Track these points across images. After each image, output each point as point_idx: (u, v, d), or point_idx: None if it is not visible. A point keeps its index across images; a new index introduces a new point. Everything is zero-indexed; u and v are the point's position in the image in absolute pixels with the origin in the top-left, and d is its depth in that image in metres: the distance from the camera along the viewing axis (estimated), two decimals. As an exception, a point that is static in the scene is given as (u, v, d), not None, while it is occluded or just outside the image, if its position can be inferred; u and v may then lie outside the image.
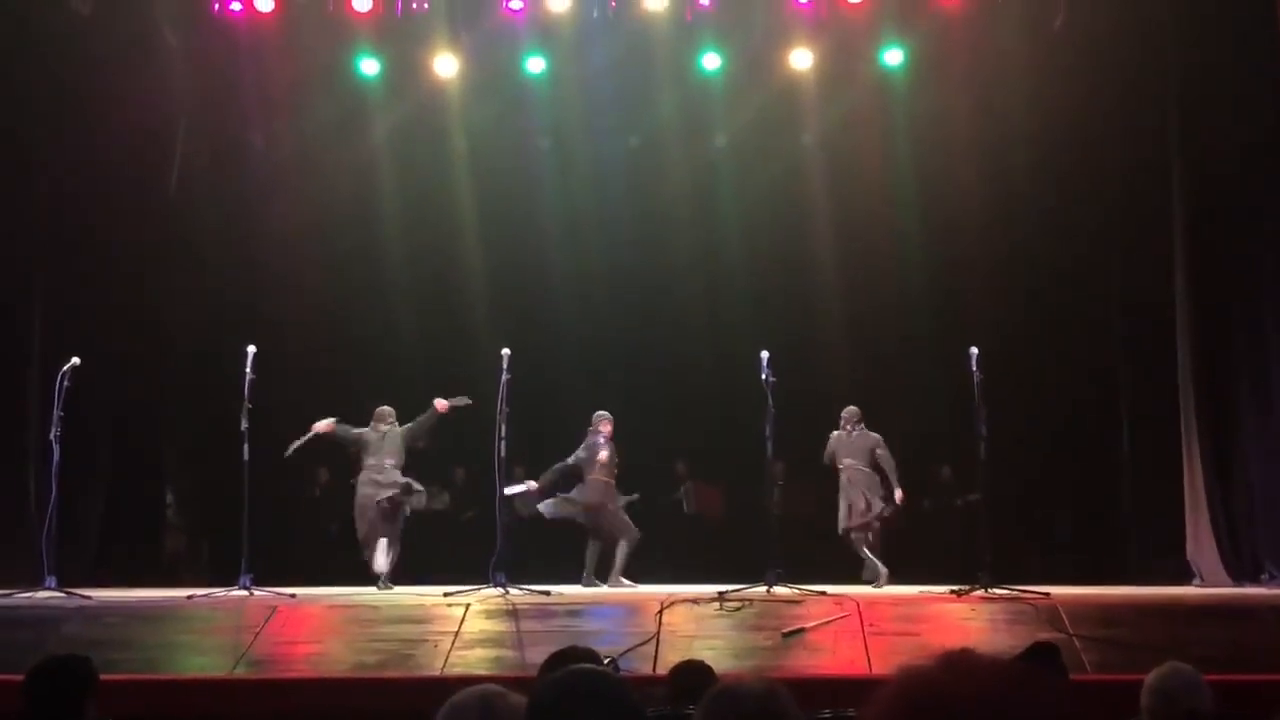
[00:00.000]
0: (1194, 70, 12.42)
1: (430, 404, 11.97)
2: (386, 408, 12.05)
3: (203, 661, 8.31)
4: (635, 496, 12.66)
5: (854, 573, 11.47)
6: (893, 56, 13.70)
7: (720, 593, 8.98)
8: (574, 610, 9.03)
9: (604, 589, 11.55)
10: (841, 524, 11.87)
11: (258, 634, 8.45)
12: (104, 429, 12.86)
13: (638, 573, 12.10)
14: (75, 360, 10.64)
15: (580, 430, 12.32)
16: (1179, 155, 12.59)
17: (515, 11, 13.29)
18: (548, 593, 9.64)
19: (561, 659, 4.72)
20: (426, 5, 13.36)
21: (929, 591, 9.66)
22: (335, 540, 13.74)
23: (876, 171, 14.19)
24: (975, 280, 14.17)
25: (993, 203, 13.97)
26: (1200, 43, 12.31)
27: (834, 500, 12.06)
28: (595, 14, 13.45)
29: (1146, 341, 13.01)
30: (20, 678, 5.12)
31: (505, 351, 10.61)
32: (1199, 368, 12.33)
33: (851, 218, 14.33)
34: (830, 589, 9.66)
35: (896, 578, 11.28)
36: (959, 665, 1.63)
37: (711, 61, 13.83)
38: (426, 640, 8.29)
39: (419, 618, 8.71)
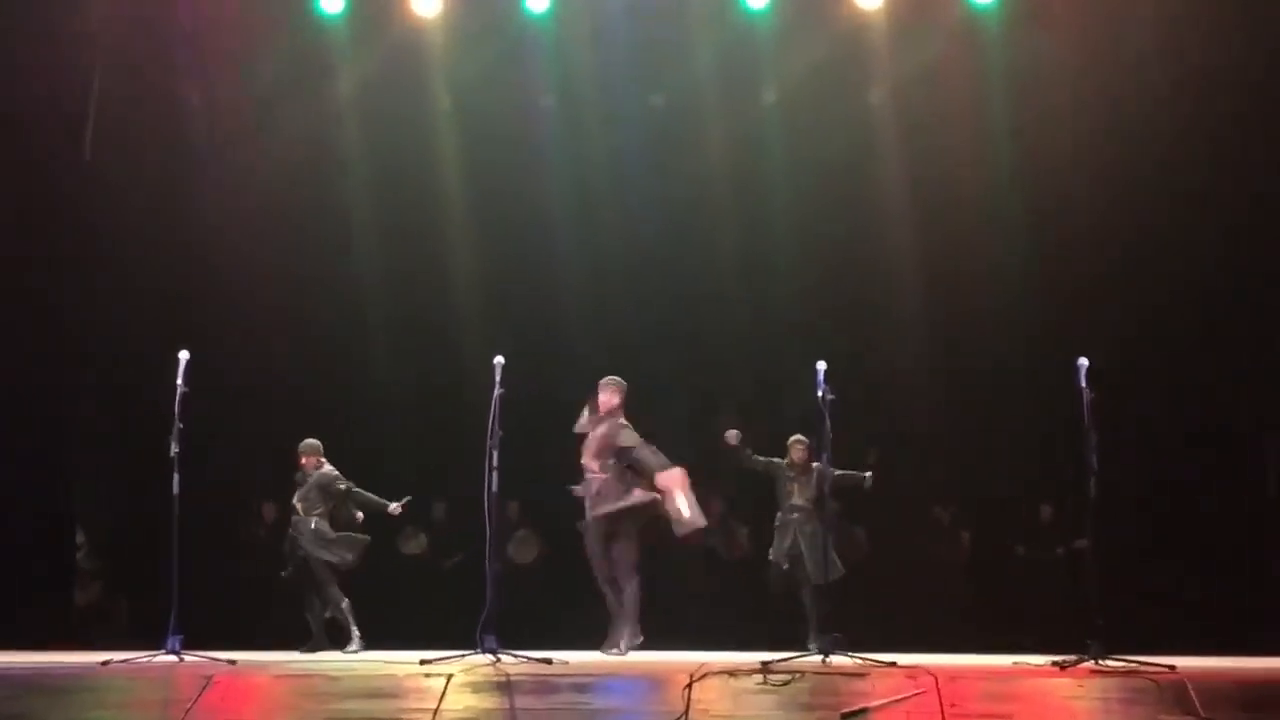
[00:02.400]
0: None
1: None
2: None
3: (121, 744, 8.34)
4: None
5: (932, 639, 11.44)
6: (983, -9, 13.76)
7: (764, 662, 8.97)
8: (582, 684, 9.02)
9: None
10: None
11: (189, 709, 8.45)
12: (-2, 456, 12.96)
13: (661, 635, 12.11)
14: (-36, 368, 10.72)
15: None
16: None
17: (513, -64, 13.40)
18: (549, 661, 9.65)
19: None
20: (403, -73, 13.48)
21: (1024, 662, 9.63)
22: (285, 592, 13.77)
23: (963, 138, 14.20)
24: (1088, 276, 14.15)
25: (1112, 177, 13.94)
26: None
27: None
28: (614, -61, 13.58)
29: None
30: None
31: (498, 360, 10.60)
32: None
33: (931, 196, 14.35)
34: (902, 659, 9.66)
35: (983, 645, 11.24)
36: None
37: (757, 0, 13.87)
38: (399, 719, 8.31)
39: (389, 691, 8.71)
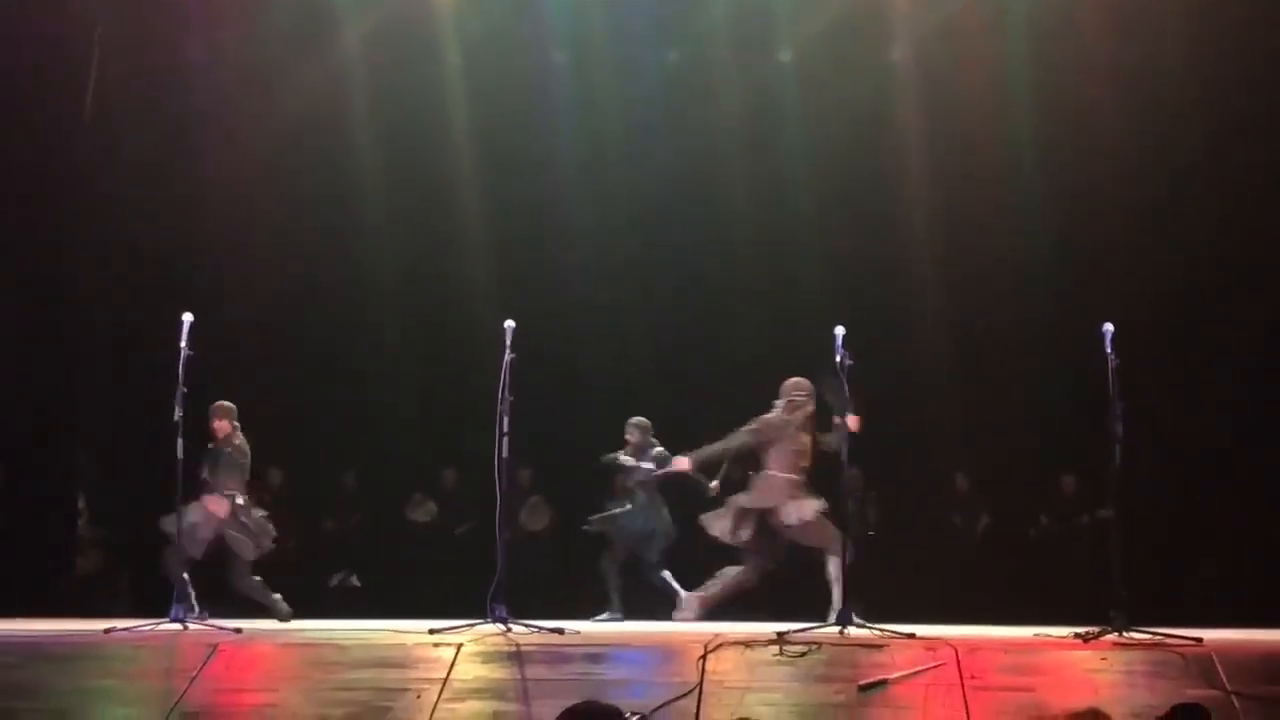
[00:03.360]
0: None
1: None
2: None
3: (125, 713, 8.38)
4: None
5: (952, 610, 11.48)
6: (1008, -54, 13.74)
7: (780, 633, 9.01)
8: (594, 654, 9.06)
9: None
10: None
11: (194, 678, 8.50)
12: (-1, 419, 13.02)
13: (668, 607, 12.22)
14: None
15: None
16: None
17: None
18: (561, 631, 9.69)
19: (577, 717, 4.78)
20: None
21: (1046, 634, 9.66)
22: (292, 560, 13.85)
23: (986, 97, 14.15)
24: (1115, 237, 14.11)
25: (1139, 135, 13.88)
26: None
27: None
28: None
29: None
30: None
31: (509, 324, 10.62)
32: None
33: (953, 156, 14.30)
34: (921, 630, 9.70)
35: (1003, 616, 11.27)
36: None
37: (775, -50, 13.91)
38: (407, 689, 8.33)
39: (398, 660, 8.76)
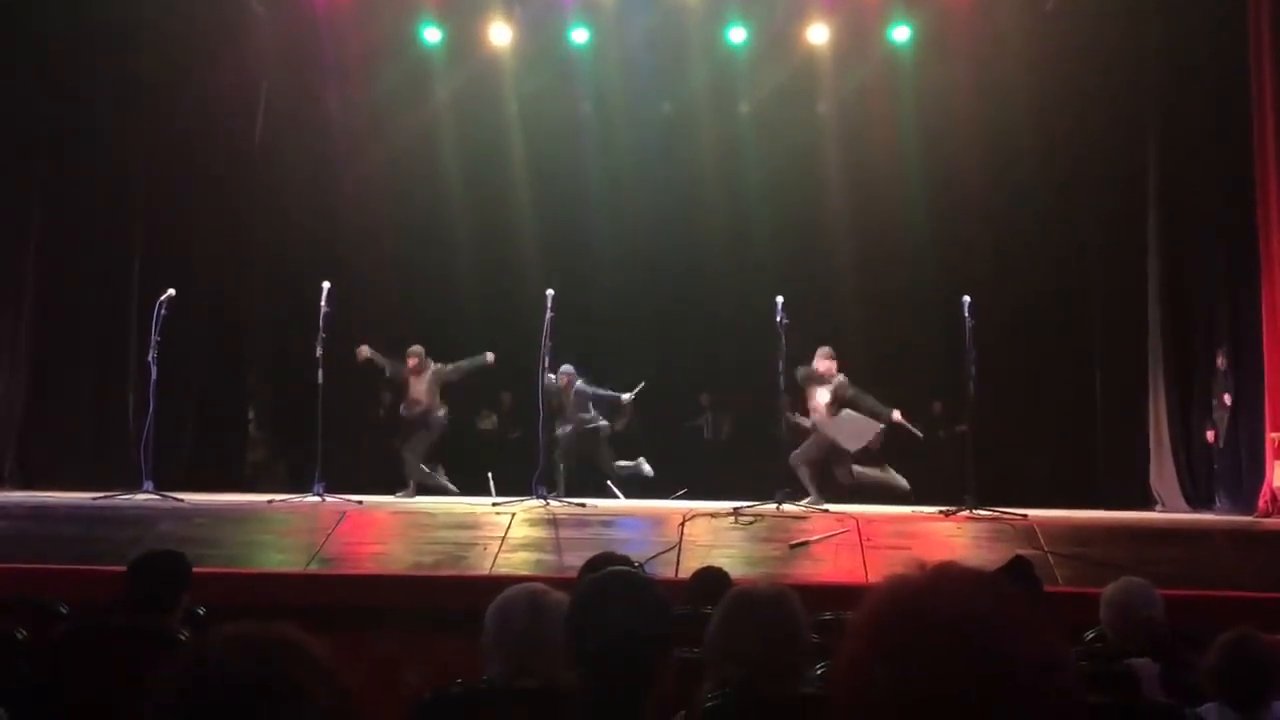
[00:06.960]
0: (1169, 44, 12.38)
1: (481, 353, 12.18)
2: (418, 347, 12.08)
3: (281, 558, 8.41)
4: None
5: (854, 495, 11.45)
6: (900, 34, 13.57)
7: (735, 508, 9.03)
8: (607, 521, 9.09)
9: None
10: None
11: (329, 535, 8.54)
12: (196, 353, 12.99)
13: (661, 489, 12.19)
14: (171, 291, 10.71)
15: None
16: (1155, 121, 12.56)
17: (563, -13, 13.29)
18: (583, 504, 9.70)
19: (600, 561, 4.78)
20: (484, -20, 13.36)
21: (920, 511, 9.68)
22: (397, 455, 13.83)
23: (885, 138, 14.04)
24: (971, 236, 14.04)
25: (988, 167, 13.79)
26: (1176, 21, 12.21)
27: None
28: (635, -10, 13.44)
29: (1120, 294, 12.98)
30: (122, 569, 5.21)
31: (549, 292, 10.61)
32: (1166, 322, 12.30)
33: (861, 179, 14.21)
34: (832, 508, 9.71)
35: (891, 498, 11.26)
36: (942, 574, 1.63)
37: (737, 35, 13.74)
38: (477, 544, 8.36)
39: (470, 524, 8.79)
